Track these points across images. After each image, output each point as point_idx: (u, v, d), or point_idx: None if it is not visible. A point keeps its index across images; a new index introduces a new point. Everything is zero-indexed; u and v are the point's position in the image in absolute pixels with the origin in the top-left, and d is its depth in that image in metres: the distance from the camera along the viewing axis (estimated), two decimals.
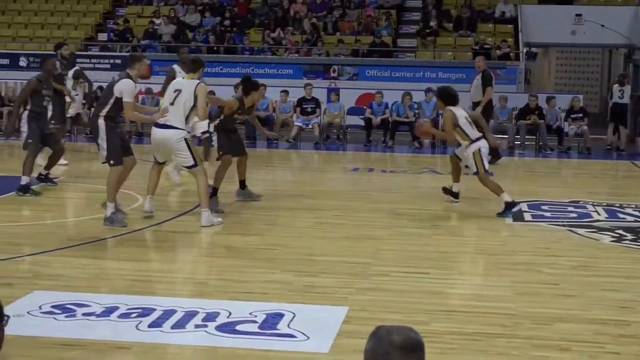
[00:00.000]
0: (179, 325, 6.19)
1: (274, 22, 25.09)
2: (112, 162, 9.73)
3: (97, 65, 22.88)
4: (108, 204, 9.75)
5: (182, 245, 9.15)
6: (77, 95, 16.27)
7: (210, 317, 6.35)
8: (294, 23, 24.92)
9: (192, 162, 9.90)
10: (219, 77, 20.29)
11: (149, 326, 6.16)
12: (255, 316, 6.38)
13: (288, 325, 6.20)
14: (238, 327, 6.15)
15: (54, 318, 6.33)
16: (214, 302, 6.79)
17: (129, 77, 9.70)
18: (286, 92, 20.38)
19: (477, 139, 11.24)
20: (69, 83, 15.74)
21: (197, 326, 6.17)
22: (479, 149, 11.17)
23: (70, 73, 15.83)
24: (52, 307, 6.56)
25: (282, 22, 25.03)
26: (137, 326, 6.16)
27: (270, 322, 6.27)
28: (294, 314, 6.45)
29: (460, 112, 11.35)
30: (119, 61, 23.36)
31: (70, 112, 15.90)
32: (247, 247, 9.10)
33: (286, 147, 19.27)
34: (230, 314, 6.43)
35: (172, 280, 7.81)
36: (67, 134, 17.64)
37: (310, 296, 7.07)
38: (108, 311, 6.47)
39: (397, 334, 2.82)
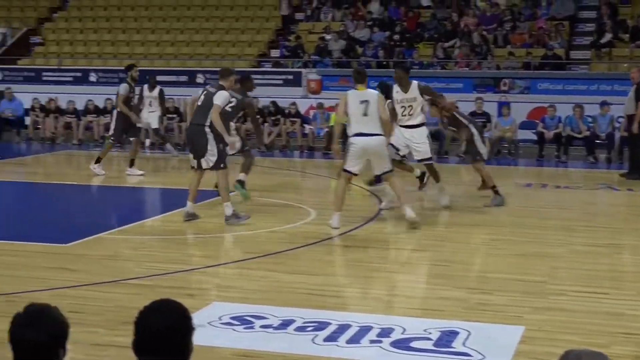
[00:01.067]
0: (354, 340, 6.25)
1: (444, 36, 24.98)
2: (222, 165, 10.78)
3: (270, 81, 23.41)
4: (227, 204, 10.71)
5: (354, 260, 9.22)
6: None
7: (385, 332, 6.38)
8: (463, 36, 24.71)
9: (390, 167, 10.65)
10: None
11: (325, 340, 6.26)
12: (430, 333, 6.37)
13: (463, 344, 6.15)
14: (413, 344, 6.16)
15: (233, 329, 6.53)
16: (388, 317, 6.83)
17: (222, 88, 10.86)
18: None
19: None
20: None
21: (372, 341, 6.22)
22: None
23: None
24: (231, 318, 6.77)
25: (451, 36, 24.89)
26: (313, 340, 6.26)
27: (445, 340, 6.24)
28: (469, 332, 6.40)
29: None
30: (290, 77, 23.85)
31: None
32: (420, 263, 9.11)
33: (456, 161, 19.11)
34: (404, 330, 6.45)
35: (345, 295, 7.90)
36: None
37: (484, 314, 7.00)
38: (285, 324, 6.61)
39: (588, 359, 2.76)
